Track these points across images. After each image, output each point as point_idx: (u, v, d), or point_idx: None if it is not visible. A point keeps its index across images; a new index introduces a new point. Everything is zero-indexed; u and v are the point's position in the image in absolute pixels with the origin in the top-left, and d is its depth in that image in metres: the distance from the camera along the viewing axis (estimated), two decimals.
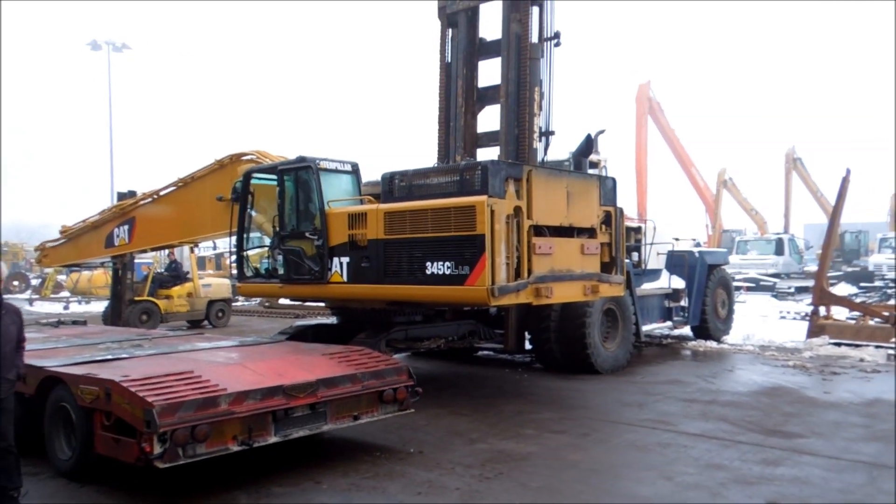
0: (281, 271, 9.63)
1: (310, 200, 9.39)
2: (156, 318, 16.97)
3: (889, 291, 23.13)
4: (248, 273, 10.35)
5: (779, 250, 30.33)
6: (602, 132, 13.83)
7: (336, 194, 9.44)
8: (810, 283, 28.36)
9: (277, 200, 9.68)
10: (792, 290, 26.14)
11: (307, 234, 9.25)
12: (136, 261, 18.93)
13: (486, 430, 7.50)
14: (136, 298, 16.90)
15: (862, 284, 25.08)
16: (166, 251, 18.43)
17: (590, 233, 9.13)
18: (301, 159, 9.46)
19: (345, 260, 8.88)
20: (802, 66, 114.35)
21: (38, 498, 5.55)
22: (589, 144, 10.44)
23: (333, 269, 8.97)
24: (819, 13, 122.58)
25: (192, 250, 18.64)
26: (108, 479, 5.80)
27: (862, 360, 12.14)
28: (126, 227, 14.15)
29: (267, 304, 23.82)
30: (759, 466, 6.21)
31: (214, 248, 32.38)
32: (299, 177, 9.52)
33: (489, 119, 12.07)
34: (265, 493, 5.57)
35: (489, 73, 11.97)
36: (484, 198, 7.65)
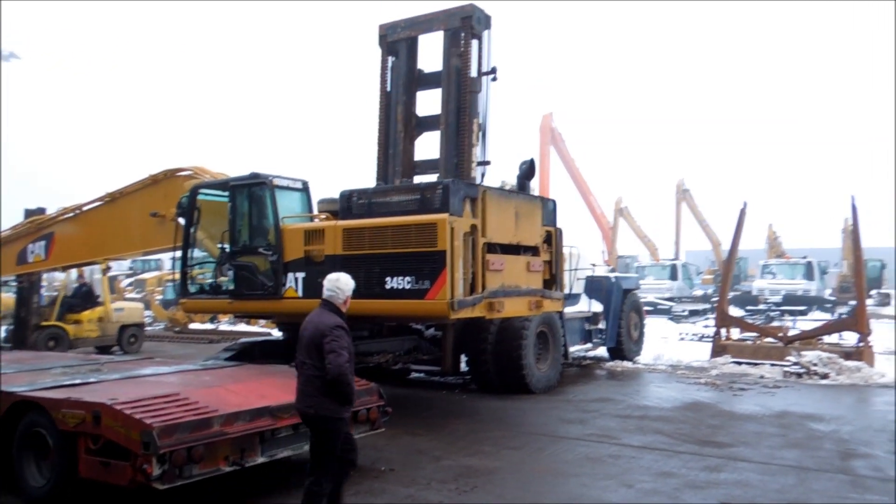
0: (231, 287, 9.61)
1: (263, 216, 9.49)
2: (64, 343, 16.17)
3: (772, 314, 25.25)
4: (193, 289, 10.23)
5: (673, 275, 32.34)
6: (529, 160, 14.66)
7: (287, 211, 9.59)
8: (701, 306, 30.51)
9: (228, 216, 9.69)
10: (686, 312, 27.96)
11: (261, 250, 9.33)
12: None
13: (446, 448, 7.82)
14: (43, 323, 16.07)
15: (748, 308, 27.12)
16: (74, 273, 17.65)
17: (534, 251, 9.73)
18: (254, 175, 9.55)
19: (300, 275, 9.04)
20: (691, 104, 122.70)
21: None
22: (532, 168, 11.06)
23: (288, 285, 9.10)
24: (709, 52, 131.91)
25: (104, 272, 17.87)
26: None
27: (762, 376, 13.32)
28: (42, 242, 13.60)
29: (177, 329, 23.13)
30: (703, 473, 6.85)
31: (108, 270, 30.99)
32: (252, 193, 9.61)
33: (426, 146, 12.50)
34: None
35: (427, 101, 12.43)
36: (445, 215, 8.07)
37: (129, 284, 38.85)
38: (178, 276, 10.41)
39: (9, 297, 26.68)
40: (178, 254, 10.30)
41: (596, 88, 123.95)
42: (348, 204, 9.07)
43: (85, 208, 13.09)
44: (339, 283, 5.20)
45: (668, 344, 18.88)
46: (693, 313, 28.17)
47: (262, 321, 23.27)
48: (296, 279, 9.10)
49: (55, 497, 5.62)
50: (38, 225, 13.70)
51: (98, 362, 8.22)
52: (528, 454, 7.63)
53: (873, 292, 33.63)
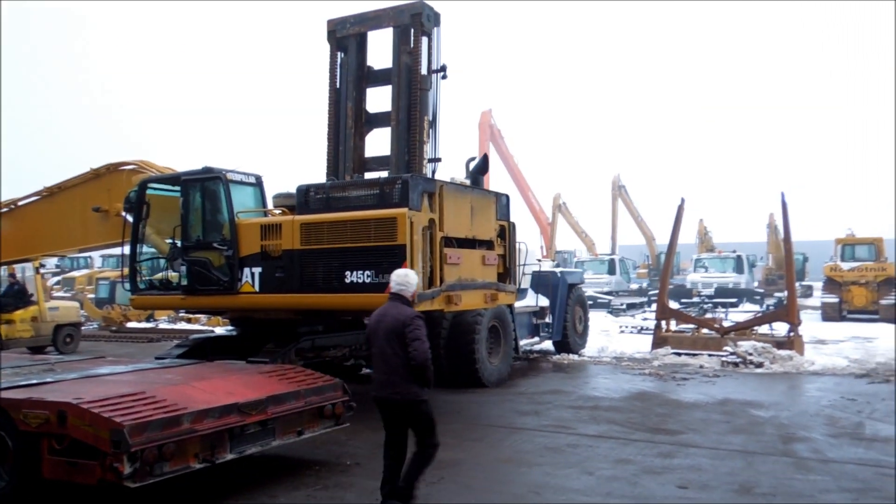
0: (184, 283, 9.45)
1: (217, 211, 9.40)
2: None
3: (705, 306, 26.18)
4: (142, 285, 10.01)
5: (611, 270, 33.16)
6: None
7: (240, 206, 9.51)
8: (638, 299, 31.38)
9: (181, 211, 9.53)
10: (624, 306, 28.71)
11: (215, 245, 9.22)
12: None
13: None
14: None
15: (682, 300, 28.02)
16: (3, 271, 16.94)
17: (488, 245, 9.93)
18: (208, 170, 9.43)
19: (256, 270, 8.99)
20: (625, 101, 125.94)
21: None
22: (485, 163, 11.23)
23: (244, 280, 9.02)
24: (643, 48, 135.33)
25: (37, 270, 17.22)
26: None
27: (702, 366, 13.87)
28: None
29: (114, 328, 22.46)
30: (658, 459, 7.14)
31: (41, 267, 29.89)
32: (206, 187, 9.49)
33: (376, 142, 12.52)
34: None
35: (377, 98, 12.44)
36: (405, 210, 8.19)
37: (57, 283, 37.36)
38: (126, 272, 10.16)
39: None
40: (127, 250, 10.06)
41: (533, 84, 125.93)
42: (305, 199, 9.07)
43: (20, 203, 12.63)
44: (408, 278, 5.57)
45: (610, 337, 19.34)
46: (630, 306, 28.96)
47: (204, 319, 22.86)
48: (252, 274, 9.04)
49: (19, 498, 5.45)
50: None
51: (48, 362, 7.96)
52: (489, 445, 7.79)
53: (796, 284, 35.29)
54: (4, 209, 12.76)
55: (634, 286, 38.24)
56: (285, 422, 6.34)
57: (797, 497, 5.94)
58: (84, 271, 38.11)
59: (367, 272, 8.29)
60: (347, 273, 8.40)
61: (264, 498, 5.91)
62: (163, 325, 22.69)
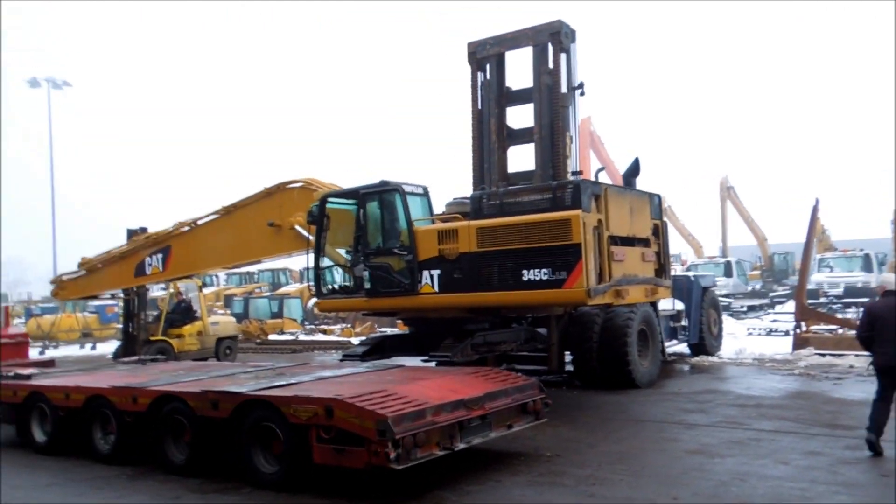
0: (367, 286, 10.37)
1: (395, 220, 10.32)
2: (171, 357, 17.01)
3: (834, 307, 25.43)
4: (325, 290, 11.01)
5: (727, 272, 32.61)
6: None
7: (412, 214, 10.33)
8: (759, 301, 30.75)
9: (359, 221, 10.49)
10: (745, 308, 28.24)
11: (395, 251, 10.10)
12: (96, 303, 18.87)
13: (593, 437, 8.44)
14: (152, 338, 16.99)
15: (809, 302, 27.25)
16: (171, 291, 18.61)
17: (645, 243, 10.46)
18: (385, 183, 10.38)
19: (435, 272, 9.81)
20: (737, 99, 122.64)
21: None
22: (637, 165, 11.70)
23: (423, 281, 9.85)
24: (750, 45, 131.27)
25: (200, 288, 18.85)
26: (316, 487, 6.42)
27: (851, 366, 13.72)
28: (160, 255, 14.49)
29: (257, 341, 24.10)
30: (847, 451, 7.37)
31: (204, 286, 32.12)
32: (384, 199, 10.41)
33: (517, 156, 13.18)
34: (462, 491, 6.34)
35: (515, 114, 13.11)
36: (579, 212, 8.87)
37: None
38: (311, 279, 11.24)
39: (85, 315, 27.79)
40: (311, 258, 11.09)
41: (632, 88, 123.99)
42: (479, 205, 9.86)
43: (200, 221, 13.97)
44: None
45: (738, 339, 19.27)
46: (751, 308, 28.46)
47: (339, 330, 24.23)
48: (431, 276, 9.87)
49: (287, 481, 6.35)
50: (154, 239, 14.61)
51: (266, 367, 9.00)
52: (670, 439, 8.21)
53: None
54: (185, 228, 14.13)
55: (748, 288, 37.34)
56: (498, 416, 7.00)
57: None
58: (212, 289, 40.61)
59: (544, 270, 9.01)
60: (524, 271, 9.13)
61: (490, 482, 6.58)
62: (302, 337, 24.09)
